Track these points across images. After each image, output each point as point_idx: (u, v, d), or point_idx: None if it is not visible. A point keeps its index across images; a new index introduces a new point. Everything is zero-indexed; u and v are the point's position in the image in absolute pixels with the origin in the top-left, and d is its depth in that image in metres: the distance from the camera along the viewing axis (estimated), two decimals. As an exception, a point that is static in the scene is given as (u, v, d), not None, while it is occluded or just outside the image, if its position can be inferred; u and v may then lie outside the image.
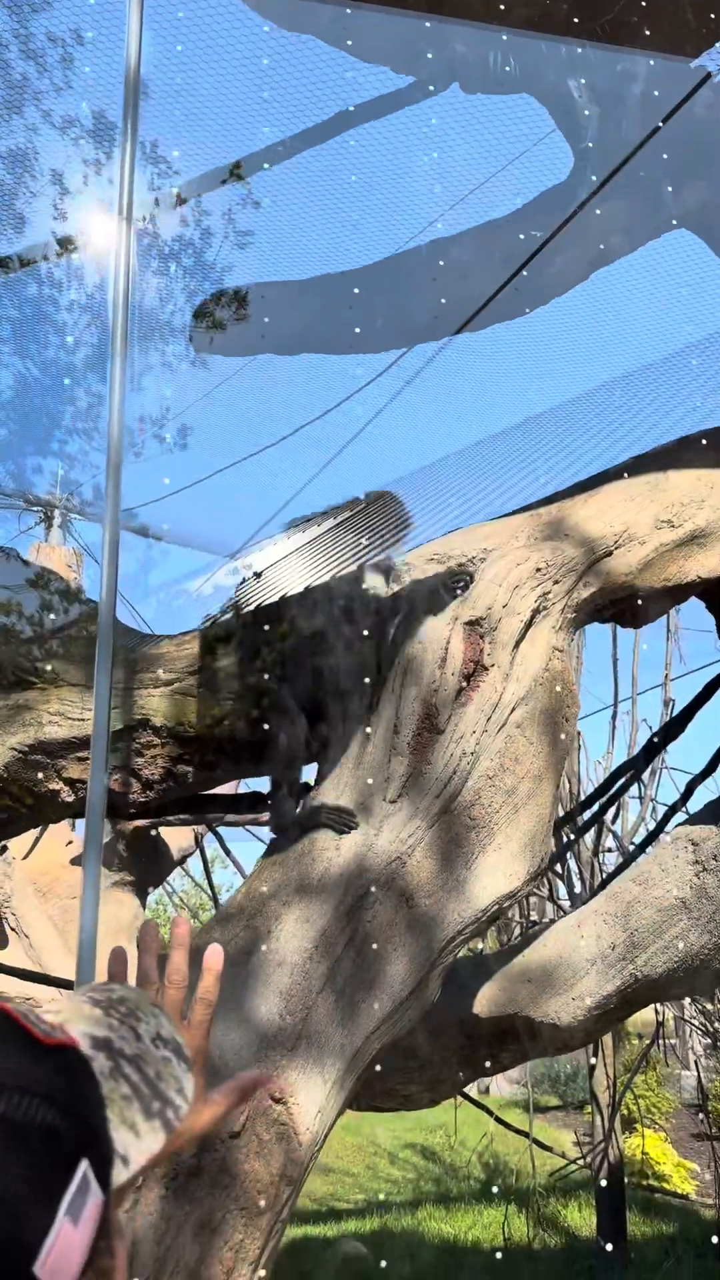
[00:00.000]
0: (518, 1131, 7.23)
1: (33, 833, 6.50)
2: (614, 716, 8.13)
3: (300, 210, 3.59)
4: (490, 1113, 6.91)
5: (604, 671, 8.48)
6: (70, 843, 6.98)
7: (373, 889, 2.07)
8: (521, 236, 3.29)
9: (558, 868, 6.39)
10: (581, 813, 4.80)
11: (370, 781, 2.19)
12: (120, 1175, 0.62)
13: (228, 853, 7.80)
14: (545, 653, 2.26)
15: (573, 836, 5.76)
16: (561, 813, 5.93)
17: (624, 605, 2.48)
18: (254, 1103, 1.86)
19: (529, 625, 2.26)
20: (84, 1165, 0.55)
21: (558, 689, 2.26)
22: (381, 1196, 8.43)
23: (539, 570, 2.28)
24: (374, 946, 2.03)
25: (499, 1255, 6.76)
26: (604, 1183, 6.42)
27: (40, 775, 2.44)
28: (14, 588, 2.87)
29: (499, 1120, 6.87)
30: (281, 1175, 1.85)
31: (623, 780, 4.49)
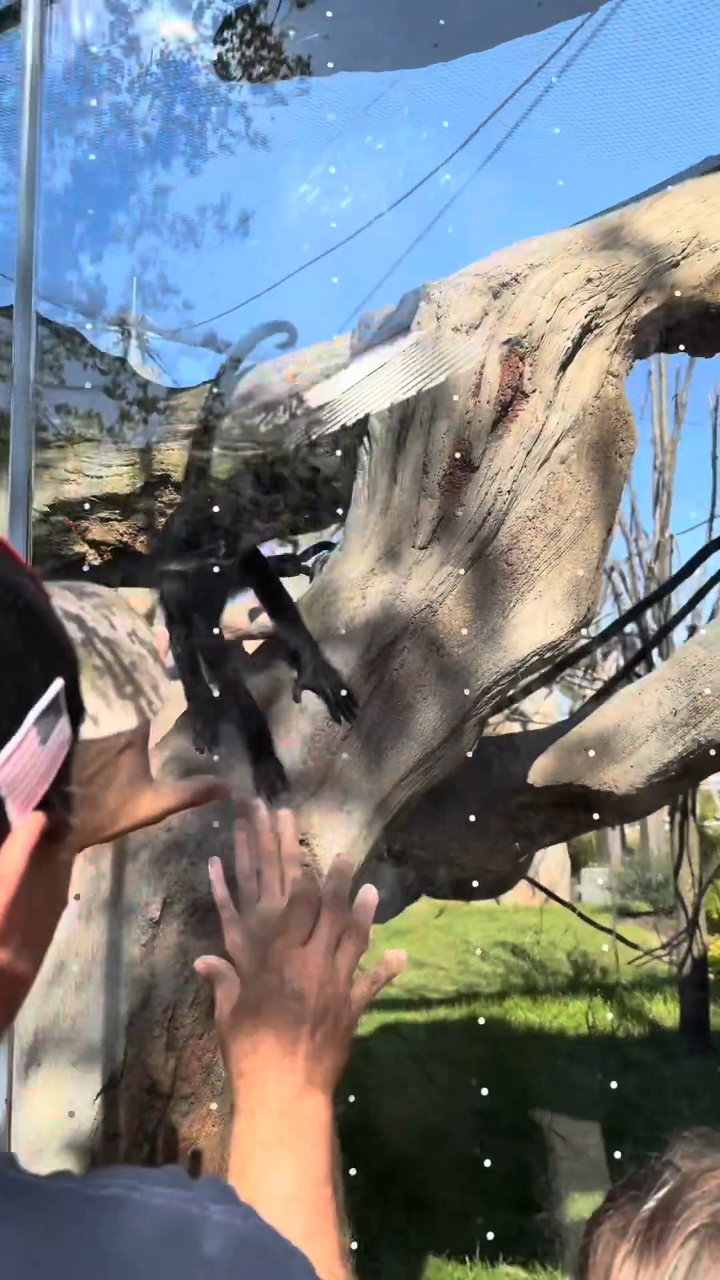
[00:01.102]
0: (602, 929, 7.38)
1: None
2: (711, 520, 7.64)
3: None
4: (574, 909, 7.05)
5: (702, 478, 7.93)
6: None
7: (401, 638, 1.94)
8: None
9: (640, 671, 6.18)
10: (663, 597, 4.54)
11: (398, 527, 2.02)
12: (89, 731, 0.62)
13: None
14: (597, 377, 2.00)
15: (659, 627, 5.53)
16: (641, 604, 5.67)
17: (693, 327, 2.18)
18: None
19: (578, 345, 1.99)
20: (58, 684, 0.49)
21: (610, 419, 2.01)
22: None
23: (590, 281, 1.99)
24: (402, 696, 1.92)
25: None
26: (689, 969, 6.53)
27: (65, 539, 2.36)
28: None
29: (583, 916, 7.00)
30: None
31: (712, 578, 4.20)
